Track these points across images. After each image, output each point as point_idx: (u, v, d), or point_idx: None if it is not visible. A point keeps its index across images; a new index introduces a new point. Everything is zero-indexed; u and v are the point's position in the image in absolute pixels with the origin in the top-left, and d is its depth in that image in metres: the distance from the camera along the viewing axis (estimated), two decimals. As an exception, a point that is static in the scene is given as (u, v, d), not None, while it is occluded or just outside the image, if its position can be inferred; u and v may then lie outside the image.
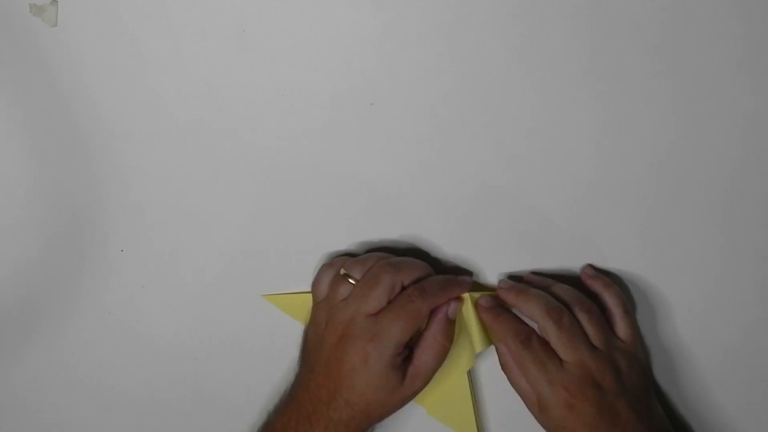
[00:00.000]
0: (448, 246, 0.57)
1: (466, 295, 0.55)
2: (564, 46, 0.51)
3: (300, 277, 0.58)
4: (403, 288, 0.52)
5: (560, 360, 0.51)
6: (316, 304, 0.55)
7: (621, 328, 0.53)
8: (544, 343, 0.52)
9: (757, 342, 0.56)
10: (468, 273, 0.57)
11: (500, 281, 0.56)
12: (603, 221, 0.55)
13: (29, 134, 0.56)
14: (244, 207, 0.57)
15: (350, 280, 0.53)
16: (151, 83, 0.54)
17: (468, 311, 0.55)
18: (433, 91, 0.53)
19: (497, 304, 0.55)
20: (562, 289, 0.53)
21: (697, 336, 0.57)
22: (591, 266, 0.55)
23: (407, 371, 0.52)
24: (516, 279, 0.56)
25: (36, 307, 0.60)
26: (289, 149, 0.55)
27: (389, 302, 0.52)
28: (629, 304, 0.54)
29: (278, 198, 0.57)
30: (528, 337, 0.52)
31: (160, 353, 0.61)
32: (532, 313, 0.52)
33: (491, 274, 0.57)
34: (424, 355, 0.53)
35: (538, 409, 0.52)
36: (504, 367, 0.54)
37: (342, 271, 0.53)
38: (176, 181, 0.57)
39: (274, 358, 0.61)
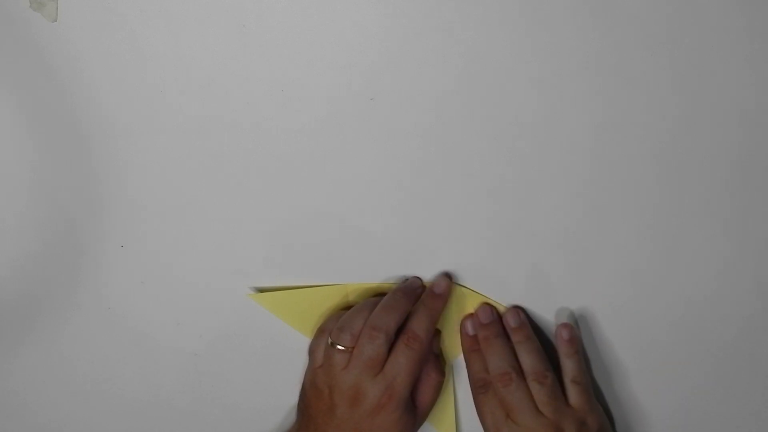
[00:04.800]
0: (447, 241, 0.57)
1: (460, 292, 0.57)
2: (565, 41, 0.51)
3: (301, 273, 0.59)
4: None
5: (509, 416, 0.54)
6: (314, 369, 0.56)
7: (572, 397, 0.54)
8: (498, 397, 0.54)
9: (757, 340, 0.57)
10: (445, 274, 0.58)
11: (481, 309, 0.57)
12: (603, 216, 0.55)
13: (29, 129, 0.56)
14: (244, 202, 0.57)
15: (340, 347, 0.54)
16: (151, 78, 0.54)
17: (454, 306, 0.57)
18: (434, 86, 0.53)
19: (476, 336, 0.57)
20: (526, 351, 0.55)
21: (697, 334, 0.57)
22: (569, 328, 0.56)
23: (416, 411, 0.56)
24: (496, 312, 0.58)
25: (35, 303, 0.60)
26: (289, 144, 0.55)
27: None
28: (585, 375, 0.56)
29: (278, 193, 0.57)
30: (484, 384, 0.55)
31: (159, 349, 0.61)
32: (488, 366, 0.55)
33: (491, 269, 0.57)
34: (424, 396, 0.57)
35: None
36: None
37: (329, 341, 0.54)
38: (176, 177, 0.57)
39: (274, 353, 0.61)
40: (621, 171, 0.54)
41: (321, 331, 0.57)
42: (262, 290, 0.59)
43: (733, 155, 0.53)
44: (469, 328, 0.58)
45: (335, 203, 0.57)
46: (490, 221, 0.56)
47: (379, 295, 0.57)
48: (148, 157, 0.56)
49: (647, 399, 0.59)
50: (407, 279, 0.57)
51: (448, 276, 0.57)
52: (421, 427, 0.57)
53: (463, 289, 0.57)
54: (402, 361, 0.53)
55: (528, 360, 0.55)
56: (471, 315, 0.58)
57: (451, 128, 0.54)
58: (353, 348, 0.53)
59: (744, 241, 0.55)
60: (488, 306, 0.57)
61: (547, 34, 0.51)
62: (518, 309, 0.57)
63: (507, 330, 0.57)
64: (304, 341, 0.59)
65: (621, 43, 0.51)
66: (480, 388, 0.56)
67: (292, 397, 0.61)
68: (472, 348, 0.57)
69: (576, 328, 0.57)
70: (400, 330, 0.54)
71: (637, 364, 0.58)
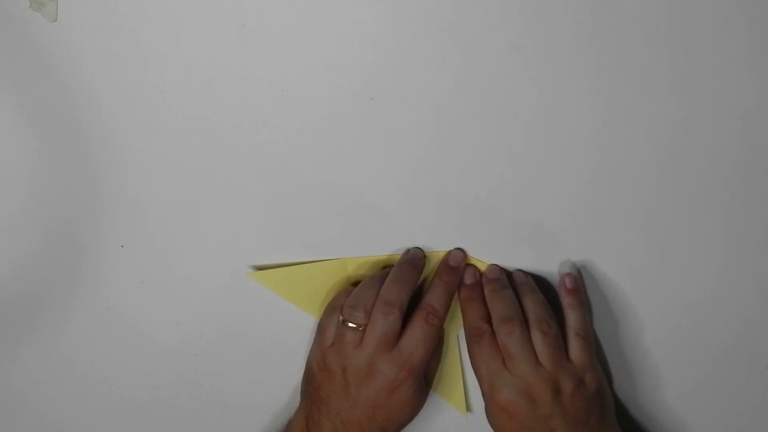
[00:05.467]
0: (447, 241, 0.57)
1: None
2: (566, 41, 0.51)
3: (300, 272, 0.59)
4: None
5: (504, 364, 0.53)
6: (323, 349, 0.54)
7: (573, 351, 0.53)
8: (495, 344, 0.53)
9: (757, 340, 0.57)
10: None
11: (489, 267, 0.56)
12: (603, 217, 0.55)
13: (29, 129, 0.56)
14: (244, 202, 0.57)
15: (352, 325, 0.53)
16: (151, 78, 0.54)
17: None
18: (433, 86, 0.53)
19: (474, 285, 0.56)
20: (531, 301, 0.54)
21: (697, 334, 0.57)
22: (573, 277, 0.55)
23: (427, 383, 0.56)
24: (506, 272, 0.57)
25: (35, 303, 0.60)
26: (289, 144, 0.55)
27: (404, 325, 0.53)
28: (589, 329, 0.55)
29: (277, 193, 0.57)
30: (480, 333, 0.54)
31: (159, 349, 0.61)
32: (492, 313, 0.54)
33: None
34: (430, 365, 0.56)
35: (484, 397, 0.54)
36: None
37: (341, 319, 0.53)
38: (176, 177, 0.57)
39: (274, 353, 0.61)
40: (621, 171, 0.54)
41: (331, 308, 0.56)
42: (260, 269, 0.59)
43: (733, 155, 0.53)
44: (467, 278, 0.56)
45: (335, 203, 0.57)
46: (490, 221, 0.56)
47: (382, 268, 0.57)
48: (148, 156, 0.56)
49: (648, 391, 0.59)
50: (409, 250, 0.57)
51: (461, 250, 0.57)
52: (429, 399, 0.57)
53: (471, 259, 0.57)
54: (420, 337, 0.53)
55: (533, 308, 0.54)
56: (470, 266, 0.57)
57: (451, 128, 0.54)
58: (366, 325, 0.53)
59: (744, 241, 0.55)
60: (496, 267, 0.57)
61: (547, 34, 0.51)
62: (524, 272, 0.57)
63: (512, 284, 0.56)
64: (304, 341, 0.59)
65: (621, 43, 0.51)
66: (475, 336, 0.54)
67: (292, 397, 0.61)
68: (468, 297, 0.56)
69: (579, 277, 0.56)
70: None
71: (637, 364, 0.58)
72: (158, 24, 0.53)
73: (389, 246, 0.57)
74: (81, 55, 0.54)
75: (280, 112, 0.54)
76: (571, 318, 0.54)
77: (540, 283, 0.57)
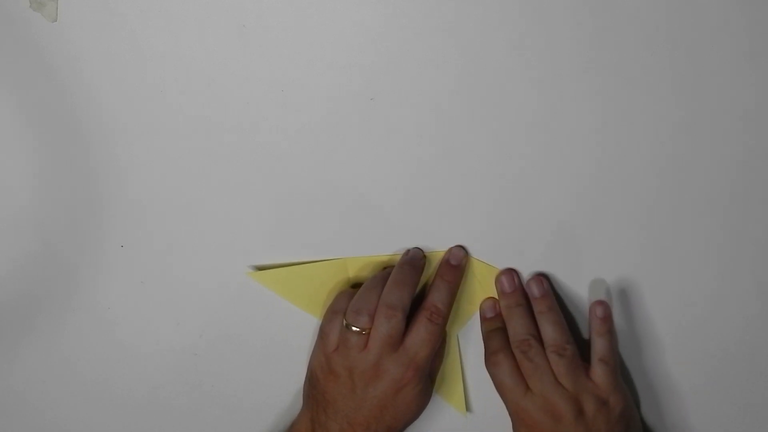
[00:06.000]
0: (447, 241, 0.57)
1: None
2: (566, 41, 0.51)
3: (300, 272, 0.59)
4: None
5: (527, 385, 0.53)
6: (328, 354, 0.55)
7: (596, 375, 0.53)
8: (516, 367, 0.54)
9: (757, 340, 0.57)
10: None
11: (504, 275, 0.56)
12: (603, 216, 0.55)
13: (29, 129, 0.56)
14: (244, 202, 0.57)
15: (356, 329, 0.53)
16: (151, 78, 0.54)
17: (467, 277, 0.57)
18: (434, 86, 0.53)
19: (495, 316, 0.57)
20: (547, 322, 0.54)
21: (696, 333, 0.57)
22: (605, 307, 0.55)
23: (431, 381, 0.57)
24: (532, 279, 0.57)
25: (35, 303, 0.60)
26: (289, 144, 0.55)
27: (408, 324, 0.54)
28: (615, 356, 0.55)
29: (277, 193, 0.57)
30: (495, 352, 0.55)
31: (159, 349, 0.61)
32: (509, 333, 0.55)
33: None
34: (433, 364, 0.56)
35: (511, 417, 0.55)
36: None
37: (344, 323, 0.54)
38: (176, 177, 0.57)
39: (274, 353, 0.61)
40: (621, 170, 0.54)
41: (333, 313, 0.56)
42: (260, 269, 0.59)
43: (733, 155, 0.53)
44: (488, 311, 0.57)
45: (335, 203, 0.57)
46: (490, 221, 0.56)
47: (381, 269, 0.57)
48: (148, 156, 0.56)
49: (652, 394, 0.59)
50: (408, 250, 0.57)
51: (462, 248, 0.57)
52: (431, 401, 0.57)
53: (471, 259, 0.57)
54: (425, 336, 0.53)
55: (549, 330, 0.54)
56: (489, 298, 0.57)
57: (451, 128, 0.54)
58: (370, 328, 0.53)
59: (744, 241, 0.55)
60: (511, 273, 0.56)
61: (547, 34, 0.51)
62: (542, 277, 0.56)
63: (530, 299, 0.56)
64: (304, 341, 0.59)
65: (621, 43, 0.51)
66: (490, 356, 0.55)
67: (292, 397, 0.61)
68: (489, 327, 0.57)
69: (610, 305, 0.56)
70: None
71: (637, 363, 0.58)
72: (158, 24, 0.53)
73: (389, 246, 0.57)
74: (81, 55, 0.54)
75: (280, 112, 0.54)
76: (598, 345, 0.54)
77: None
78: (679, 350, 0.57)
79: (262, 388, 0.61)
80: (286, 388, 0.61)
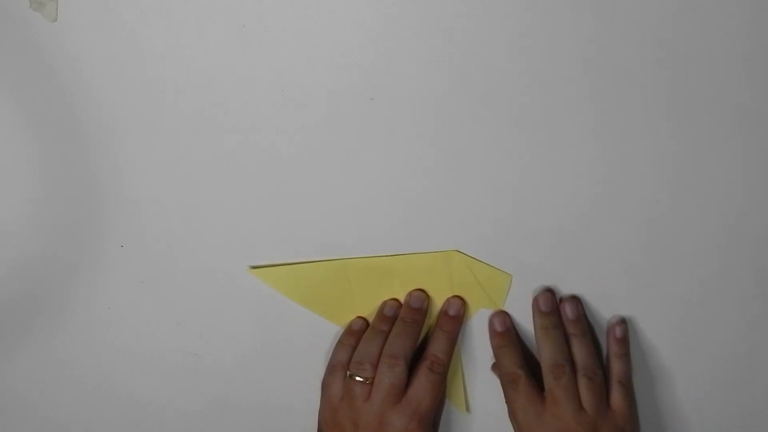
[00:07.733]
0: (447, 241, 0.57)
1: (462, 259, 0.57)
2: (565, 41, 0.51)
3: (299, 272, 0.58)
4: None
5: (544, 407, 0.53)
6: (332, 406, 0.56)
7: (615, 399, 0.54)
8: (531, 388, 0.54)
9: (757, 340, 0.57)
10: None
11: (542, 296, 0.56)
12: (603, 216, 0.55)
13: (29, 129, 0.56)
14: (244, 202, 0.57)
15: (360, 378, 0.54)
16: (151, 78, 0.54)
17: (465, 275, 0.57)
18: (433, 86, 0.53)
19: (505, 331, 0.57)
20: (580, 346, 0.55)
21: (697, 335, 0.57)
22: (623, 329, 0.56)
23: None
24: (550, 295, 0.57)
25: (35, 303, 0.60)
26: (289, 144, 0.55)
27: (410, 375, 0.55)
28: (631, 379, 0.56)
29: (277, 193, 0.57)
30: (515, 379, 0.55)
31: (159, 349, 0.61)
32: (541, 353, 0.55)
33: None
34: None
35: None
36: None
37: (348, 373, 0.55)
38: (176, 176, 0.57)
39: (274, 353, 0.61)
40: (621, 170, 0.54)
41: (333, 367, 0.57)
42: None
43: (733, 155, 0.53)
44: (498, 325, 0.57)
45: (335, 204, 0.57)
46: (490, 222, 0.56)
47: (377, 271, 0.58)
48: (148, 156, 0.56)
49: (651, 400, 0.59)
50: (411, 293, 0.58)
51: (459, 298, 0.58)
52: None
53: (472, 260, 0.57)
54: (427, 386, 0.54)
55: (582, 354, 0.54)
56: (499, 313, 0.58)
57: (451, 128, 0.54)
58: (373, 378, 0.54)
59: (744, 241, 0.55)
60: (549, 294, 0.57)
61: (547, 34, 0.51)
62: (577, 300, 0.56)
63: (563, 320, 0.56)
64: (304, 340, 0.59)
65: (621, 43, 0.51)
66: (511, 382, 0.55)
67: (292, 397, 0.61)
68: (500, 344, 0.57)
69: (627, 326, 0.56)
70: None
71: (637, 364, 0.58)
72: (158, 24, 0.53)
73: (389, 246, 0.57)
74: (81, 55, 0.54)
75: (280, 112, 0.54)
76: (616, 366, 0.55)
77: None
78: (679, 350, 0.57)
79: (262, 387, 0.61)
80: (286, 387, 0.61)
